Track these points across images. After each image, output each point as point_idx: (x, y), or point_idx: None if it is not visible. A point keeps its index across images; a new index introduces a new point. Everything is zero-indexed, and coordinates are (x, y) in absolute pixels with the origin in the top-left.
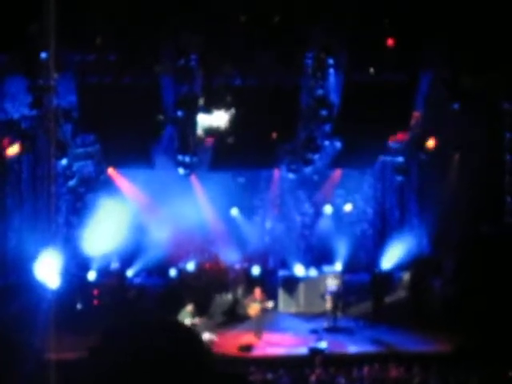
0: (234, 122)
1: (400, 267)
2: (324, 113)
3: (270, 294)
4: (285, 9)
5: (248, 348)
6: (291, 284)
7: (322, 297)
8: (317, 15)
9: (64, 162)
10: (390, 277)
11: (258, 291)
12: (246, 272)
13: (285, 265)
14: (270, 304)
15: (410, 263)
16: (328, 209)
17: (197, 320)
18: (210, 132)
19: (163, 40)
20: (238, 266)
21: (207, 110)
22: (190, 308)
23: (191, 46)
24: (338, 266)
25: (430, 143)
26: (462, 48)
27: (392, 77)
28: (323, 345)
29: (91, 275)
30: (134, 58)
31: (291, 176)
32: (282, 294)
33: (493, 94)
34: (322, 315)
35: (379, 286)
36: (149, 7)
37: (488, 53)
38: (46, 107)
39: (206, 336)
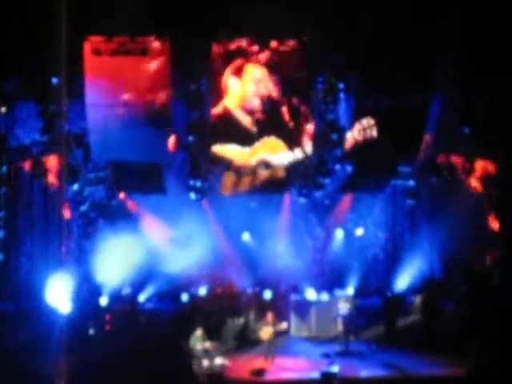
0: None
1: (412, 291)
2: (335, 137)
3: (282, 319)
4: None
5: (260, 372)
6: (303, 308)
7: (335, 320)
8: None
9: (75, 187)
10: (402, 300)
11: (270, 315)
12: (258, 296)
13: (296, 289)
14: (284, 325)
15: (421, 287)
16: (339, 233)
17: (209, 344)
18: None
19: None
20: (249, 291)
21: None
22: (201, 332)
23: (201, 71)
24: (350, 290)
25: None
26: (473, 73)
27: (403, 100)
28: (335, 369)
29: (103, 300)
30: None
31: (302, 200)
32: (293, 318)
33: (503, 119)
34: (333, 339)
35: (392, 310)
36: None
37: (500, 78)
38: (57, 132)
39: (218, 360)
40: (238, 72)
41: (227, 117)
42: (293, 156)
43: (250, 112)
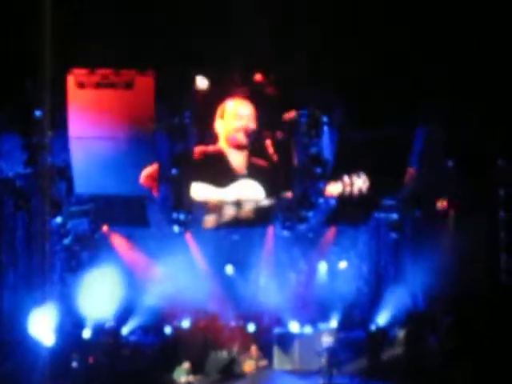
0: None
1: (395, 324)
2: (318, 170)
3: (266, 351)
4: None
5: None
6: (286, 341)
7: (319, 354)
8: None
9: (59, 219)
10: (385, 334)
11: (253, 348)
12: (242, 329)
13: (280, 322)
14: (264, 362)
15: (405, 319)
16: (323, 266)
17: (192, 377)
18: None
19: (157, 97)
20: (233, 324)
21: None
22: (185, 366)
23: (185, 104)
24: (334, 323)
25: None
26: (458, 105)
27: (386, 134)
28: None
29: (86, 333)
30: None
31: (286, 233)
32: (277, 351)
33: (487, 152)
34: (317, 372)
35: (375, 343)
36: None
37: (483, 111)
38: (40, 165)
39: None
40: (221, 114)
41: (219, 157)
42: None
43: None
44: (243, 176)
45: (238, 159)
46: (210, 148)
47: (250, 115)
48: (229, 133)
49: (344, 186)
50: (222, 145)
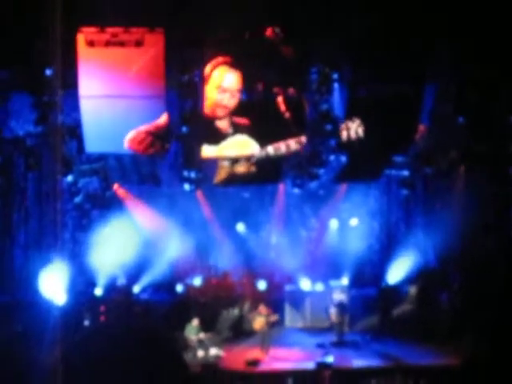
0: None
1: (407, 281)
2: (329, 127)
3: (277, 309)
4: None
5: (255, 363)
6: (297, 299)
7: (326, 311)
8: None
9: (69, 178)
10: (396, 291)
11: (262, 306)
12: (253, 287)
13: (291, 279)
14: (275, 317)
15: (416, 277)
16: (334, 223)
17: (203, 335)
18: None
19: (167, 55)
20: (244, 281)
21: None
22: (196, 323)
23: (195, 61)
24: (345, 281)
25: None
26: (467, 61)
27: (397, 90)
28: (330, 359)
29: (98, 291)
30: None
31: (296, 191)
32: (288, 309)
33: (498, 108)
34: (328, 330)
35: (386, 300)
36: None
37: (493, 67)
38: (50, 124)
39: (213, 351)
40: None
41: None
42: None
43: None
44: (229, 135)
45: (221, 122)
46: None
47: (233, 90)
48: (210, 102)
49: (341, 130)
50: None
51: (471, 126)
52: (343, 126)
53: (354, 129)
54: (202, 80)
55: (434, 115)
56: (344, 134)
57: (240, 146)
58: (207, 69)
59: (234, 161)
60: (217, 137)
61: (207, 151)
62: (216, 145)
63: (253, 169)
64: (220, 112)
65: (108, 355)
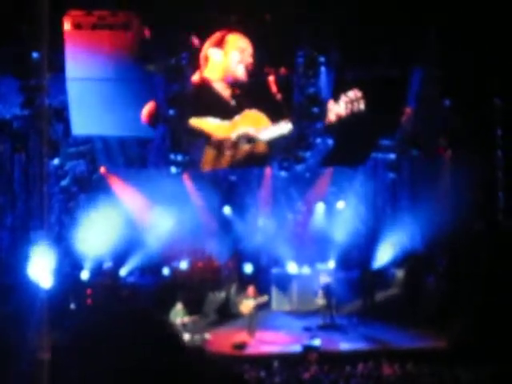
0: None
1: (393, 264)
2: (316, 110)
3: (263, 292)
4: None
5: (241, 346)
6: (284, 282)
7: (315, 294)
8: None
9: (56, 161)
10: (382, 274)
11: (250, 289)
12: (239, 270)
13: (278, 262)
14: (264, 298)
15: (403, 260)
16: (320, 206)
17: (189, 318)
18: None
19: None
20: (230, 264)
21: None
22: (181, 307)
23: (182, 44)
24: (331, 264)
25: None
26: (452, 45)
27: (383, 73)
28: (317, 342)
29: (84, 274)
30: None
31: (283, 174)
32: (274, 292)
33: (484, 91)
34: (315, 313)
35: (372, 283)
36: None
37: (479, 50)
38: (37, 107)
39: (199, 335)
40: (220, 43)
41: (206, 88)
42: (278, 130)
43: (232, 84)
44: (234, 108)
45: (225, 92)
46: (194, 79)
47: (250, 51)
48: (228, 65)
49: (345, 103)
50: (211, 75)
51: (458, 109)
52: (344, 97)
53: (356, 101)
54: (190, 63)
55: (420, 98)
56: (345, 108)
57: (253, 121)
58: (218, 35)
59: (249, 140)
60: (227, 110)
61: (220, 130)
62: (229, 120)
63: (261, 149)
64: (241, 72)
65: (103, 336)
